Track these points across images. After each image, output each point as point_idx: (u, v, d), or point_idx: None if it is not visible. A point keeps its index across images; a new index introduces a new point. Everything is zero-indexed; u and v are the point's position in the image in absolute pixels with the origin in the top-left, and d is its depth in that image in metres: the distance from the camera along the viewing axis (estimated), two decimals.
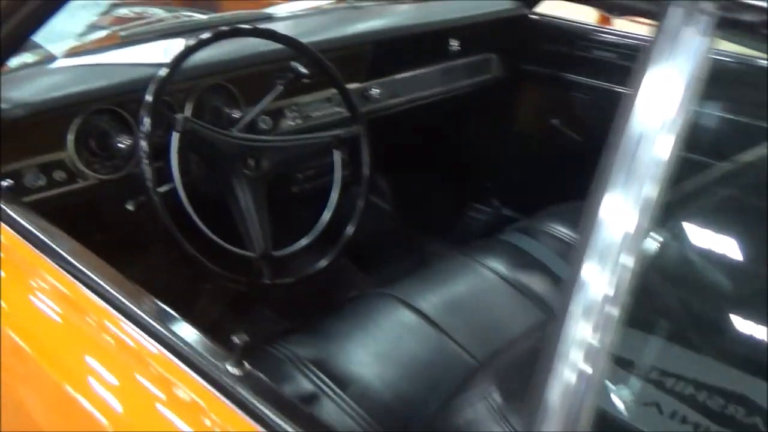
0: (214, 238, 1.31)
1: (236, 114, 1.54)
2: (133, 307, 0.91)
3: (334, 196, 1.50)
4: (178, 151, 1.29)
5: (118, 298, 0.93)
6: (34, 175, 1.31)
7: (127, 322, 0.91)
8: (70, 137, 1.34)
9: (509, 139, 2.22)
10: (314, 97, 1.68)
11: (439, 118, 2.09)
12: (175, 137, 1.28)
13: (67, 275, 0.99)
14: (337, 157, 1.51)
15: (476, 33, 1.99)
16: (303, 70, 1.50)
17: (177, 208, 1.29)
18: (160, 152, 1.30)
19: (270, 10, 1.90)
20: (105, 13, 2.44)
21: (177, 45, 1.48)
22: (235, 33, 1.42)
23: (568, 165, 2.05)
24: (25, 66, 1.49)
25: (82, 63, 1.53)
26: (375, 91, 1.79)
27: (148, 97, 1.28)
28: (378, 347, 1.27)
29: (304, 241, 1.44)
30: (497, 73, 2.06)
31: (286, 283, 1.41)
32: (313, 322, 1.35)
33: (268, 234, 1.36)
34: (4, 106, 1.25)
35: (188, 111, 1.46)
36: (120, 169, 1.40)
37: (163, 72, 1.31)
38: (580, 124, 2.01)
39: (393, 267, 1.89)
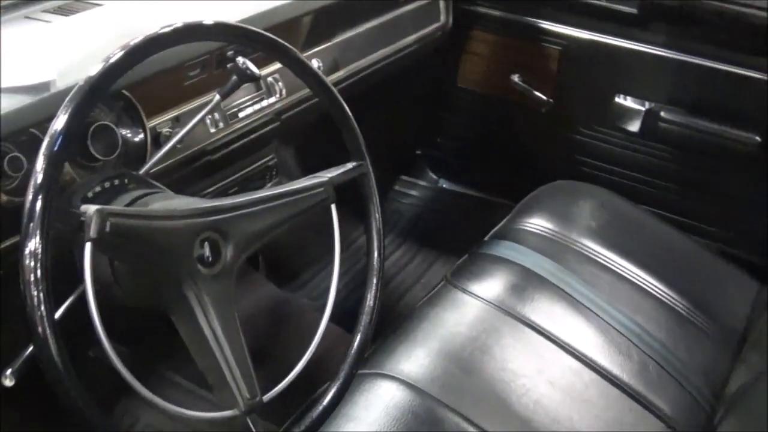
0: (161, 402, 0.75)
1: (136, 135, 0.98)
2: None
3: (335, 277, 0.92)
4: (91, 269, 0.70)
5: None
6: None
7: None
8: None
9: (455, 100, 1.84)
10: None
11: (380, 84, 1.58)
12: (87, 250, 0.70)
13: None
14: (334, 213, 0.91)
15: None
16: (254, 69, 1.00)
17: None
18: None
19: None
20: None
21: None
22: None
23: (530, 132, 1.68)
24: None
25: None
26: (316, 64, 1.35)
27: None
28: None
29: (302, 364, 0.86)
30: (445, 20, 1.61)
31: None
32: None
33: (250, 368, 0.80)
34: None
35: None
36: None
37: None
38: (548, 80, 1.62)
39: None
